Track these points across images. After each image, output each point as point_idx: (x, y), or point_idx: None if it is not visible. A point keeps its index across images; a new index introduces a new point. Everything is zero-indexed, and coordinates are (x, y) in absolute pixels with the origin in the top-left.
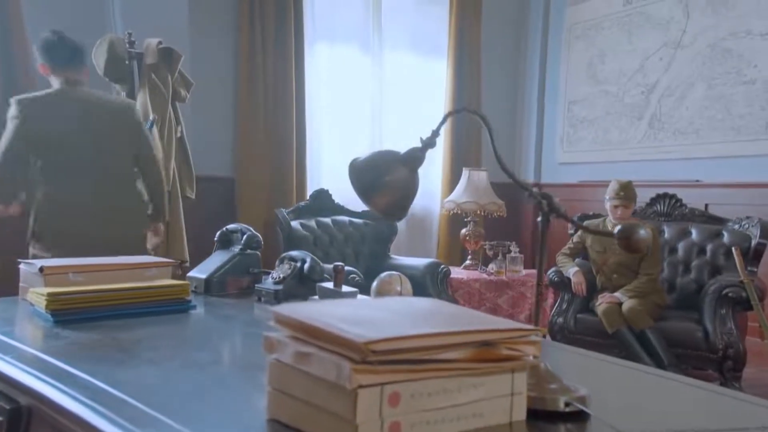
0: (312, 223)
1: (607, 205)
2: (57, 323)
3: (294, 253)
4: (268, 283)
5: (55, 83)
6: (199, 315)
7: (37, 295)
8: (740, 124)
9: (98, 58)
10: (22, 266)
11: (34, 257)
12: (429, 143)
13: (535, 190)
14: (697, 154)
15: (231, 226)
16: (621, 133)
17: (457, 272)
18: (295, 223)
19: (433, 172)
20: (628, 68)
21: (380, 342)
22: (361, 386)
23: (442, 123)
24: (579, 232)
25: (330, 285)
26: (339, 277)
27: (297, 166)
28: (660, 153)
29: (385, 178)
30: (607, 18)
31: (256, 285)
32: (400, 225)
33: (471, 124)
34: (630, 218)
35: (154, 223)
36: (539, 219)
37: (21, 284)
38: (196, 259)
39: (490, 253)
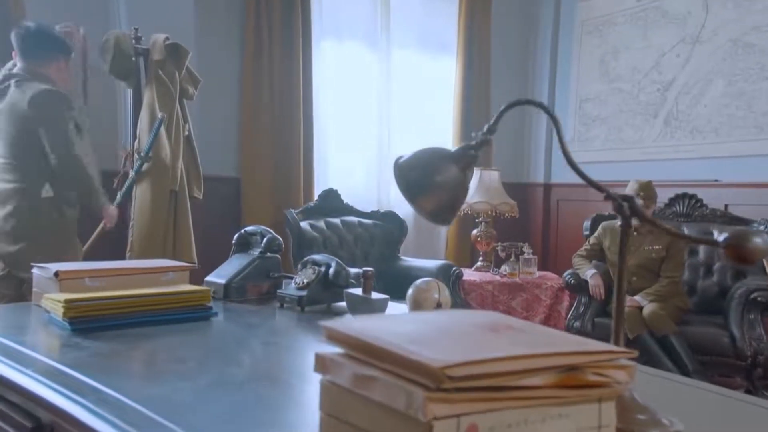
0: (321, 223)
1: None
2: (74, 331)
3: (317, 257)
4: (291, 288)
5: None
6: (221, 323)
7: (52, 301)
8: (763, 121)
9: (104, 54)
10: (35, 270)
11: None
12: (484, 141)
13: (611, 191)
14: (715, 153)
15: (249, 228)
16: (635, 132)
17: (469, 274)
18: (304, 224)
19: None
20: (643, 65)
21: (458, 366)
22: (435, 418)
23: (499, 117)
24: (596, 233)
25: (358, 291)
26: (368, 283)
27: (304, 165)
28: (676, 152)
29: (434, 179)
30: (620, 13)
31: (278, 290)
32: (407, 225)
33: (481, 120)
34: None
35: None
36: (619, 224)
37: (34, 289)
38: (201, 261)
39: (502, 254)
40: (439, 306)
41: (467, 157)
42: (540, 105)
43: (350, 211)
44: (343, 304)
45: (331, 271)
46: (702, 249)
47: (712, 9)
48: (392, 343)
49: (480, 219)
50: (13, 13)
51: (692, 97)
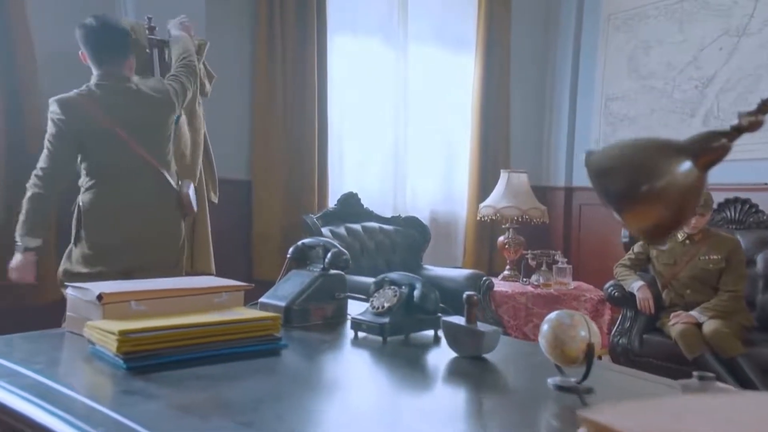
0: (341, 230)
1: None
2: (130, 370)
3: (394, 275)
4: (368, 313)
5: (93, 77)
6: (294, 358)
7: (100, 331)
8: None
9: None
10: (69, 291)
11: (69, 274)
12: (752, 125)
13: None
14: (763, 154)
15: (307, 241)
16: (670, 132)
17: (497, 284)
18: (325, 230)
19: (458, 173)
20: (679, 61)
21: None
22: None
23: None
24: (642, 241)
25: (459, 320)
26: (473, 310)
27: (318, 167)
28: None
29: (654, 183)
30: (652, 6)
31: (353, 316)
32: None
33: (500, 120)
34: (705, 228)
35: None
36: None
37: (68, 313)
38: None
39: (532, 263)
40: (590, 348)
41: (713, 151)
42: None
43: (370, 216)
44: (426, 333)
45: (417, 293)
46: (760, 259)
47: None
48: None
49: (507, 225)
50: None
51: (738, 94)
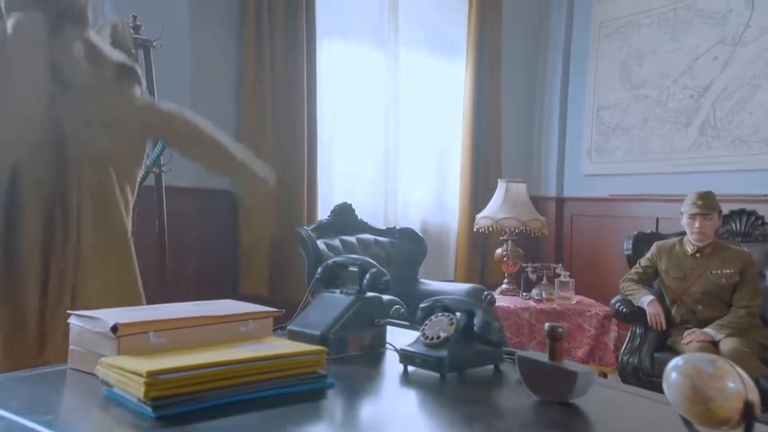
0: (336, 242)
1: (684, 220)
2: (160, 419)
3: (446, 299)
4: (419, 344)
5: None
6: (342, 400)
7: (119, 371)
8: None
9: None
10: (72, 320)
11: None
12: None
13: None
14: (765, 164)
15: (339, 259)
16: (664, 142)
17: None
18: (320, 243)
19: (449, 182)
20: (673, 70)
21: None
22: None
23: None
24: (649, 254)
25: (539, 356)
26: (558, 346)
27: (308, 176)
28: (715, 164)
29: None
30: (645, 14)
31: (402, 347)
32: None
33: (492, 128)
34: (714, 236)
35: None
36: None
37: (72, 347)
38: (198, 287)
39: (532, 276)
40: (747, 407)
41: None
42: None
43: (365, 227)
44: (485, 369)
45: (477, 321)
46: None
47: (760, 6)
48: None
49: (505, 237)
50: None
51: (734, 103)
